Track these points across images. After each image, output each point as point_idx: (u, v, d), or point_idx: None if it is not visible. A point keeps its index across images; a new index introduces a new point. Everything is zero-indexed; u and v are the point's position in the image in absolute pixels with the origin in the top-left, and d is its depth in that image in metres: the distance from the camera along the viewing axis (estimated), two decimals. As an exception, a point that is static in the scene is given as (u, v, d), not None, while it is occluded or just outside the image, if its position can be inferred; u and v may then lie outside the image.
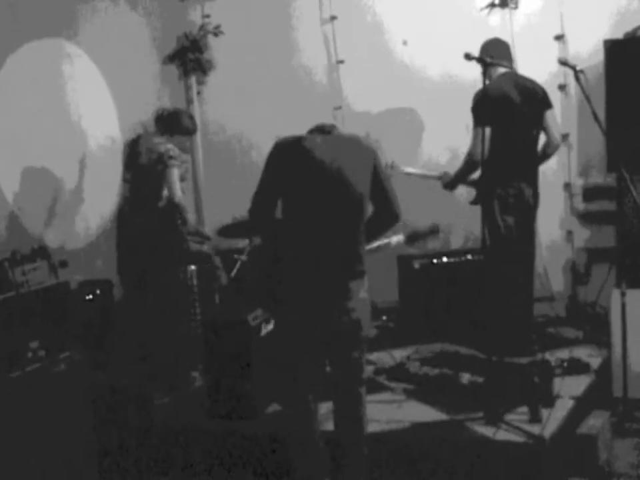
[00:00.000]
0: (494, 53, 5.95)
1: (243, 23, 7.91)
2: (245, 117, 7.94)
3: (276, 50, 7.84)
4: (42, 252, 6.26)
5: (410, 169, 6.67)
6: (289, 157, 4.18)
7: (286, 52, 7.85)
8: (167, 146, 6.21)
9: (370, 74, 7.56)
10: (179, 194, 6.20)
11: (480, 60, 5.07)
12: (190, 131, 6.51)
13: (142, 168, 6.23)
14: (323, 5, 7.70)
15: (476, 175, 6.17)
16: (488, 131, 5.65)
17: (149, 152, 6.22)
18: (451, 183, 6.38)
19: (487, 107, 5.71)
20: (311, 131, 4.35)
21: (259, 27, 7.85)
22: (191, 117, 6.57)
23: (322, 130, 4.31)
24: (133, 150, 6.34)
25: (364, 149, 4.25)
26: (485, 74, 5.00)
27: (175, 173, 6.17)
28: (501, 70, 6.07)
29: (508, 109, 5.92)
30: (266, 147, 7.73)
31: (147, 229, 6.16)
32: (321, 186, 4.10)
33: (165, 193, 6.23)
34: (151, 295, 6.19)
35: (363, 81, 7.61)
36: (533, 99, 6.06)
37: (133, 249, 6.18)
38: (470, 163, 5.90)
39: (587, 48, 6.56)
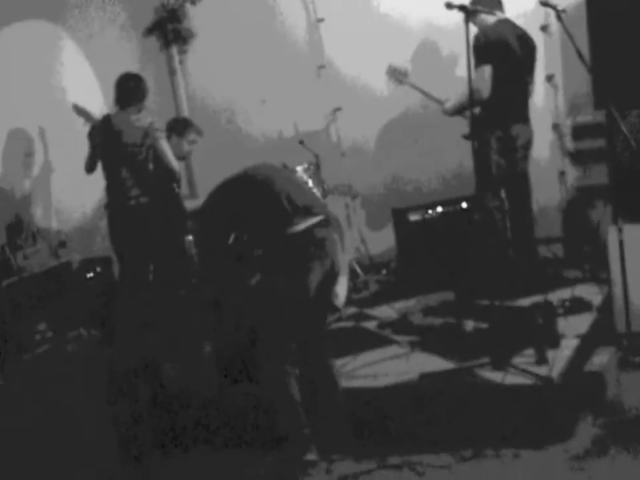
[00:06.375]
0: (485, 1, 6.02)
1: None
2: (228, 84, 7.92)
3: (255, 14, 7.80)
4: (41, 234, 6.29)
5: (417, 84, 6.73)
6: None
7: (265, 15, 7.81)
8: (147, 120, 6.24)
9: (350, 29, 7.54)
10: (175, 163, 6.24)
11: (462, 8, 5.03)
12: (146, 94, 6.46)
13: (128, 146, 6.23)
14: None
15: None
16: (489, 70, 5.73)
17: (132, 129, 6.23)
18: (450, 111, 6.45)
19: (489, 48, 5.89)
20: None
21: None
22: (143, 80, 6.51)
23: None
24: (108, 131, 6.29)
25: None
26: (468, 22, 4.95)
27: (164, 144, 6.22)
28: (496, 17, 6.11)
29: (508, 54, 6.06)
30: (251, 113, 7.66)
31: (144, 203, 6.19)
32: None
33: (151, 166, 6.25)
34: (154, 266, 6.23)
35: (344, 37, 7.59)
36: (528, 48, 6.25)
37: (132, 224, 6.20)
38: (476, 99, 5.67)
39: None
